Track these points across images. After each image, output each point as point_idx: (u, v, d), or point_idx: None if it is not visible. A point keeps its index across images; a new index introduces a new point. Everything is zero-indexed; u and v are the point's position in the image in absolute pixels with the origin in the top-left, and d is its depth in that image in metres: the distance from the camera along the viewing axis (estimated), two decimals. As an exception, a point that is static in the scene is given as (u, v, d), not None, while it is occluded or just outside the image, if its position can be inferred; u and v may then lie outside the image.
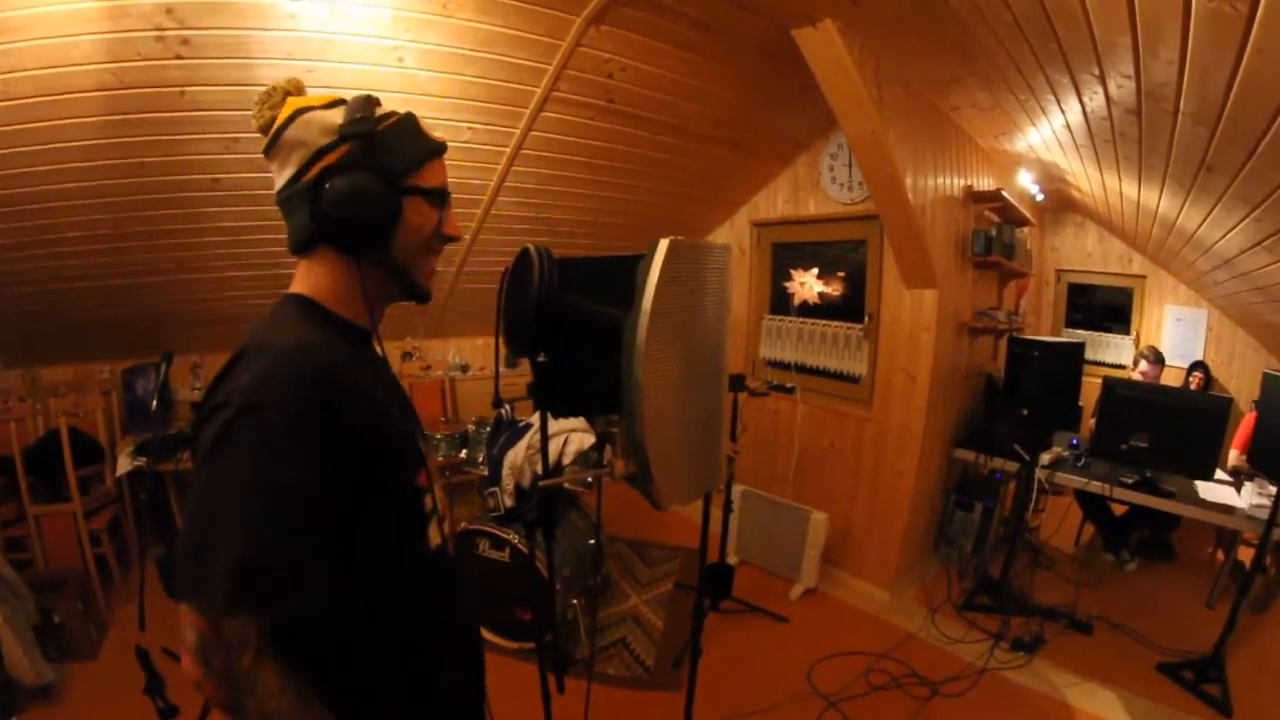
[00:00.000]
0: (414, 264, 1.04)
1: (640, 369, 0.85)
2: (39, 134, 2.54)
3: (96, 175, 2.80)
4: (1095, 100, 2.70)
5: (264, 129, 0.98)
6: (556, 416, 1.14)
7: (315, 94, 1.01)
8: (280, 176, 0.98)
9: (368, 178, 0.94)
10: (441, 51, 2.70)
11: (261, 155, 1.00)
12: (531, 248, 1.06)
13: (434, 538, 1.04)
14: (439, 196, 1.05)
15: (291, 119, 0.95)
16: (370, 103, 0.98)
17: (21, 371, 4.07)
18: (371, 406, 0.94)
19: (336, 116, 0.96)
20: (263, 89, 0.99)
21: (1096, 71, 2.37)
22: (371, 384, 0.98)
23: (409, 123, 1.03)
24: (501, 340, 1.08)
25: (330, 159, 0.94)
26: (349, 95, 1.00)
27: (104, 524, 3.68)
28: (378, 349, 1.08)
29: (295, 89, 1.01)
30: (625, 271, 0.96)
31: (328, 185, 0.92)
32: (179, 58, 2.38)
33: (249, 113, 2.52)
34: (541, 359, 1.05)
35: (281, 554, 0.78)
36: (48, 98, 2.40)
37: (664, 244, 0.87)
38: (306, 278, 1.01)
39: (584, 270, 1.05)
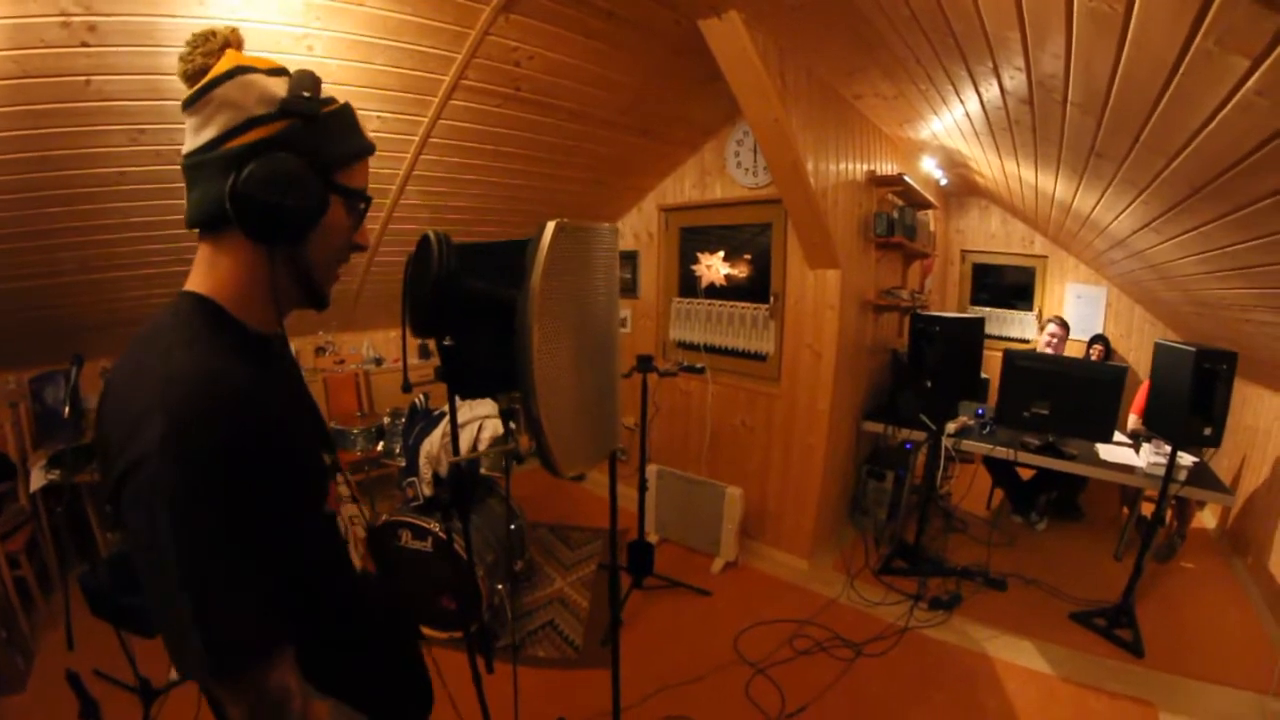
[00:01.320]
0: (322, 267, 0.97)
1: (531, 344, 0.90)
2: None
3: (2, 170, 2.64)
4: (991, 91, 2.81)
5: (191, 76, 0.87)
6: (465, 398, 1.18)
7: (255, 56, 0.90)
8: (196, 136, 0.87)
9: (301, 164, 0.86)
10: (351, 40, 2.67)
11: (173, 149, 0.93)
12: (431, 233, 1.07)
13: (356, 560, 1.03)
14: (361, 201, 0.98)
15: (230, 75, 0.85)
16: (317, 81, 0.90)
17: None
18: (284, 437, 0.87)
19: (278, 87, 0.87)
20: (198, 31, 0.88)
21: (990, 64, 2.48)
22: (280, 407, 0.92)
23: (348, 115, 0.96)
24: (406, 324, 1.11)
25: (263, 132, 0.85)
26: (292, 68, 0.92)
27: (21, 545, 3.42)
28: (286, 350, 1.03)
29: (236, 41, 0.90)
30: (519, 253, 1.01)
31: (256, 162, 0.83)
32: (85, 45, 2.26)
33: (157, 103, 2.44)
34: (447, 342, 1.09)
35: (256, 605, 0.78)
36: None
37: (550, 226, 0.93)
38: (210, 272, 0.91)
39: (484, 254, 1.10)
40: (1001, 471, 4.81)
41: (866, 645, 3.28)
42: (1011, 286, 6.84)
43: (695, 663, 3.16)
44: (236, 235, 0.88)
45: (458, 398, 1.24)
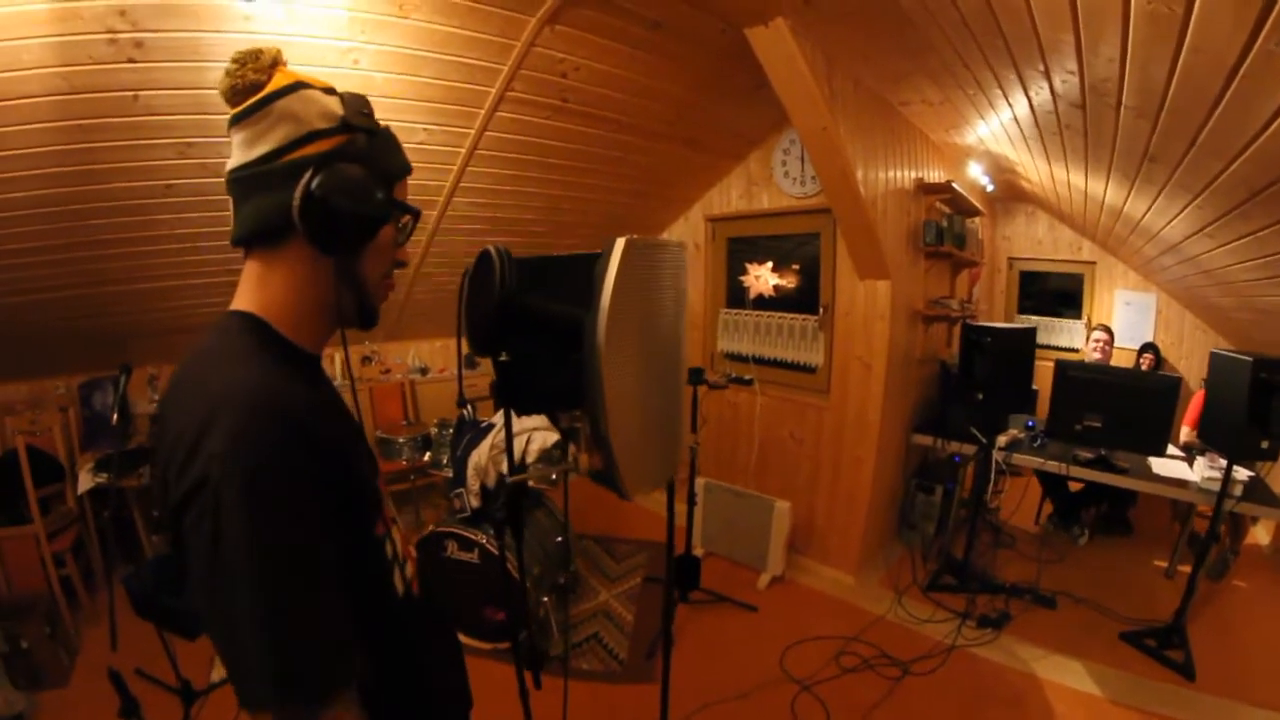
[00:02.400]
0: (375, 282, 0.96)
1: (601, 365, 0.87)
2: None
3: (47, 183, 2.71)
4: (1041, 95, 2.75)
5: (240, 92, 0.86)
6: (520, 414, 1.15)
7: (311, 77, 0.92)
8: (249, 149, 0.86)
9: (367, 175, 0.87)
10: (397, 53, 2.69)
11: (225, 142, 0.88)
12: (492, 248, 1.05)
13: (398, 585, 1.00)
14: (411, 215, 0.99)
15: (291, 89, 0.86)
16: (369, 102, 0.93)
17: None
18: (340, 456, 0.85)
19: (335, 105, 0.89)
20: (243, 49, 0.87)
21: (1041, 67, 2.42)
22: (333, 427, 0.89)
23: (392, 136, 0.97)
24: (464, 341, 1.09)
25: (325, 145, 0.86)
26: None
27: (68, 545, 3.56)
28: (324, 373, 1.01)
29: (283, 61, 0.90)
30: (583, 270, 0.99)
31: (328, 170, 0.84)
32: (131, 61, 2.32)
33: (203, 117, 2.49)
34: (504, 358, 1.06)
35: (327, 633, 0.75)
36: None
37: (620, 243, 0.90)
38: (261, 290, 0.90)
39: (543, 269, 1.07)
40: (1053, 483, 4.70)
41: (914, 664, 3.20)
42: (1058, 294, 6.65)
43: (740, 679, 3.11)
44: (294, 248, 0.88)
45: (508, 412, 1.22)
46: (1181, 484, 3.46)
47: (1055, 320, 6.63)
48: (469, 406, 3.59)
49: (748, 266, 4.53)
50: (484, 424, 3.46)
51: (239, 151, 0.87)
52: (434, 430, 3.82)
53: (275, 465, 0.73)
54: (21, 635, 3.00)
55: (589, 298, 0.95)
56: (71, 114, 2.46)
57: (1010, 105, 3.13)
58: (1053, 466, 3.76)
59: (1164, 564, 4.20)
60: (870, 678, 3.13)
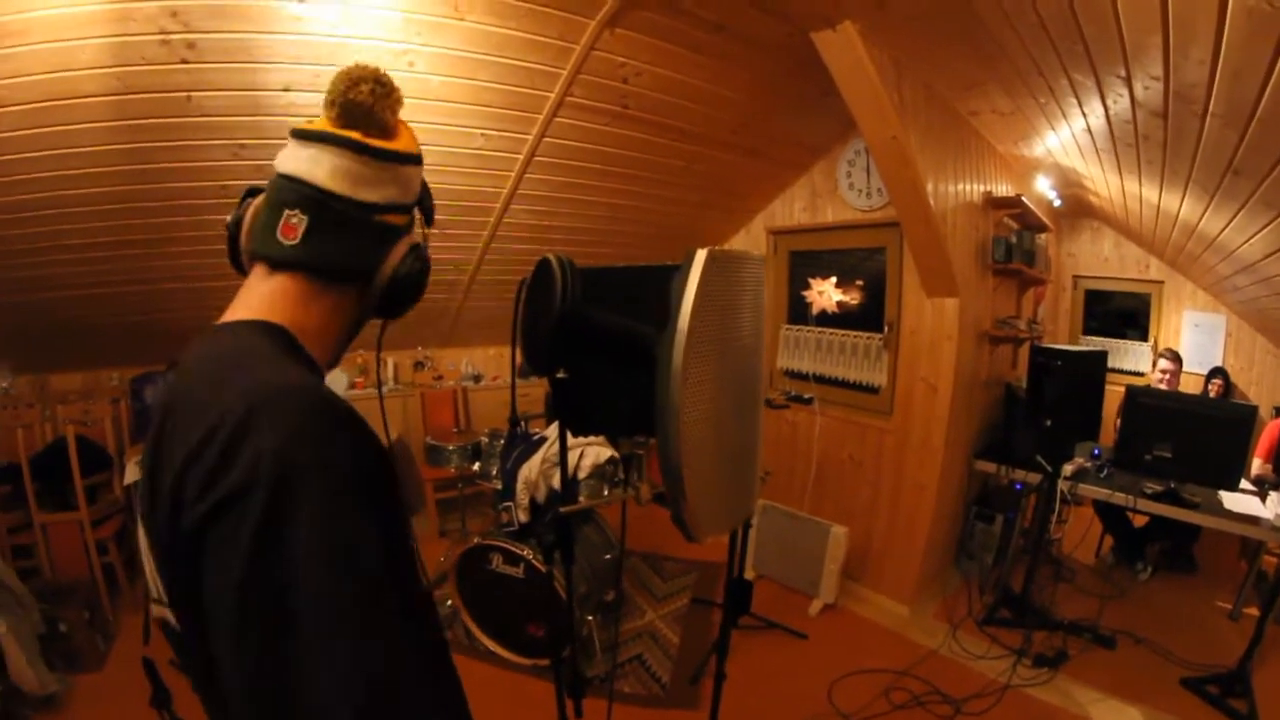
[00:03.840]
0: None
1: (678, 393, 0.77)
2: (45, 139, 2.51)
3: (103, 181, 2.77)
4: (1119, 103, 2.63)
5: (361, 119, 0.81)
6: (576, 435, 1.06)
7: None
8: (350, 183, 0.80)
9: (424, 256, 0.88)
10: (453, 56, 2.65)
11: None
12: (552, 257, 0.96)
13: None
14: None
15: (416, 160, 0.87)
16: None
17: (31, 378, 4.07)
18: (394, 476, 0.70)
19: (418, 179, 0.89)
20: (368, 68, 0.80)
21: (1123, 73, 2.31)
22: None
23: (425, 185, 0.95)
24: (519, 355, 1.00)
25: (401, 219, 0.86)
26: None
27: (111, 533, 3.64)
28: None
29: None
30: (651, 283, 0.88)
31: (413, 254, 0.85)
32: (184, 62, 2.34)
33: (256, 119, 2.50)
34: (561, 375, 0.97)
35: (416, 672, 0.56)
36: (53, 103, 2.37)
37: (701, 255, 0.79)
38: (284, 302, 0.79)
39: (607, 281, 0.97)
40: (1113, 517, 4.47)
41: (966, 703, 3.04)
42: (1123, 314, 6.38)
43: (786, 711, 3.00)
44: (351, 292, 0.85)
45: (564, 432, 1.13)
46: (1253, 521, 3.24)
47: (1120, 342, 6.35)
48: (521, 422, 3.54)
49: (810, 281, 4.40)
50: (536, 436, 3.40)
51: (333, 175, 0.79)
52: (484, 440, 3.78)
53: (349, 459, 0.59)
54: (60, 619, 3.06)
55: (658, 314, 0.84)
56: (126, 114, 2.50)
57: (1085, 115, 3.02)
58: (1120, 498, 3.55)
59: (1229, 605, 3.95)
60: (920, 715, 2.99)
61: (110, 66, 2.29)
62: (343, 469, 0.58)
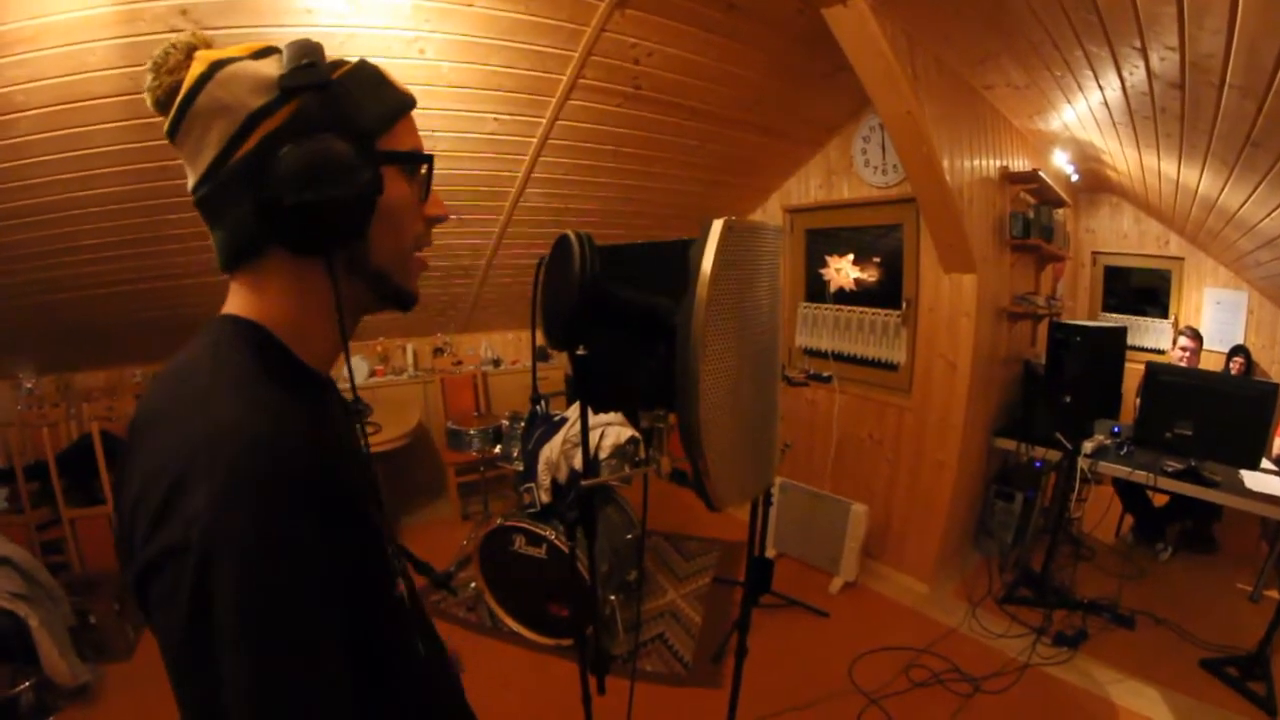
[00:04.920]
0: (397, 260, 0.79)
1: (698, 362, 0.77)
2: (62, 142, 2.53)
3: (120, 181, 2.80)
4: (1136, 75, 2.60)
5: (165, 102, 0.70)
6: (597, 411, 1.06)
7: (232, 46, 0.73)
8: (197, 164, 0.70)
9: (333, 140, 0.67)
10: (464, 41, 2.65)
11: None
12: (571, 234, 0.93)
13: (421, 649, 0.85)
14: (421, 162, 0.80)
15: (206, 77, 0.67)
16: (316, 47, 0.71)
17: (55, 378, 4.11)
18: (352, 510, 0.69)
19: (272, 67, 0.69)
20: (155, 52, 0.71)
21: (1138, 44, 2.28)
22: (344, 470, 0.73)
23: (369, 71, 0.76)
24: (539, 333, 1.00)
25: (271, 124, 0.67)
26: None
27: None
28: (335, 389, 0.86)
29: (203, 42, 0.72)
30: (667, 257, 0.89)
31: (275, 159, 0.66)
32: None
33: None
34: (581, 352, 0.97)
35: None
36: (68, 105, 2.39)
37: (718, 225, 0.79)
38: (256, 297, 0.74)
39: (624, 257, 0.97)
40: (1133, 496, 4.44)
41: (985, 681, 3.05)
42: (1143, 290, 6.30)
43: (807, 688, 3.00)
44: (280, 256, 0.72)
45: (579, 408, 1.13)
46: (1274, 500, 3.19)
47: (1140, 319, 6.27)
48: (542, 401, 3.55)
49: (827, 259, 4.39)
50: (556, 418, 3.41)
51: (189, 171, 0.71)
52: (505, 423, 3.80)
53: (276, 538, 0.57)
54: (90, 611, 3.15)
55: (676, 288, 0.84)
56: (140, 114, 2.49)
57: (1101, 88, 2.99)
58: (1140, 476, 3.53)
59: (1249, 587, 3.91)
60: (940, 694, 2.99)
61: (122, 67, 2.30)
62: (270, 548, 0.57)
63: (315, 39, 0.72)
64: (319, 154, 0.66)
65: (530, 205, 3.88)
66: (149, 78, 0.71)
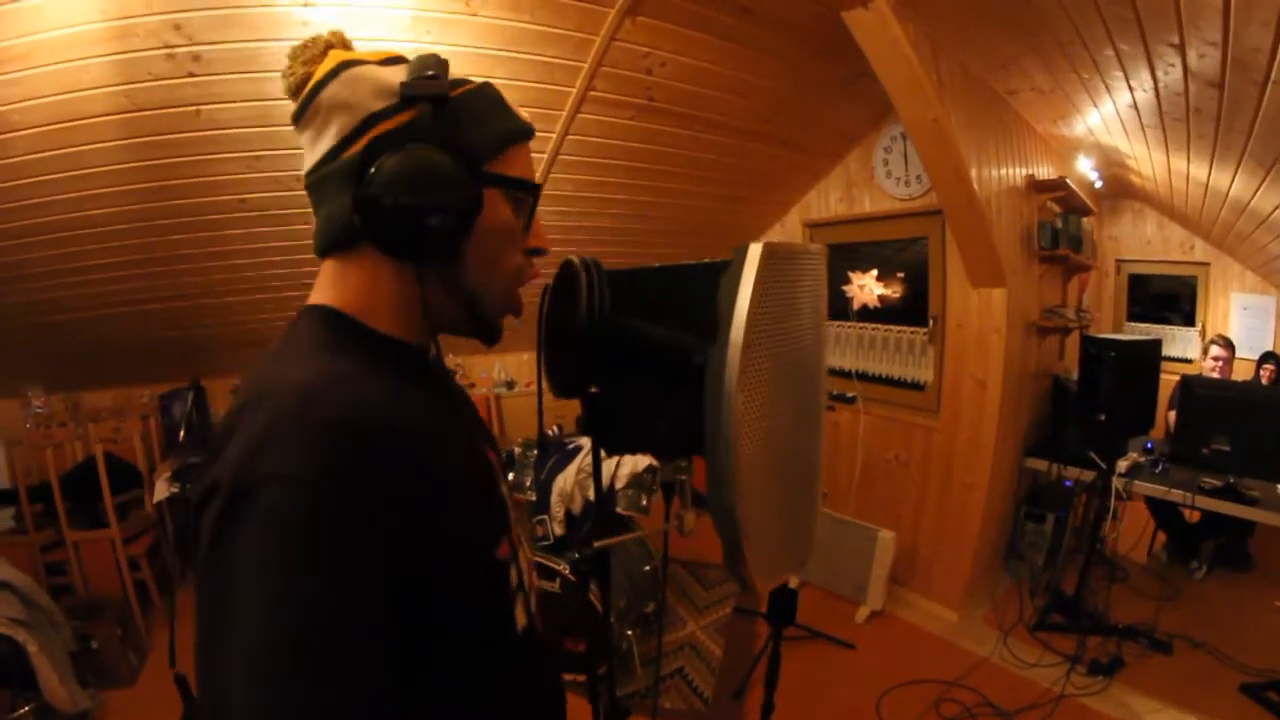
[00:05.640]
0: (492, 285, 0.79)
1: (733, 424, 0.64)
2: (60, 161, 2.50)
3: (120, 201, 2.75)
4: (1170, 74, 2.52)
5: (296, 91, 0.75)
6: (610, 454, 0.95)
7: (366, 51, 0.77)
8: (313, 151, 0.74)
9: (437, 154, 0.69)
10: (466, 53, 2.55)
11: (297, 175, 0.78)
12: (576, 259, 0.85)
13: (520, 619, 0.79)
14: (528, 192, 0.80)
15: (333, 74, 0.72)
16: (443, 62, 0.74)
17: (63, 396, 4.10)
18: (428, 461, 0.66)
19: (396, 75, 0.73)
20: (297, 42, 0.76)
21: (1176, 40, 2.20)
22: (430, 424, 0.72)
23: (489, 93, 0.79)
24: (543, 374, 0.89)
25: (386, 126, 0.70)
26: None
27: (143, 549, 3.67)
28: (443, 369, 0.87)
29: (339, 41, 0.77)
30: (690, 285, 0.77)
31: (381, 160, 0.68)
32: (191, 75, 2.30)
33: (269, 129, 2.46)
34: (593, 390, 0.85)
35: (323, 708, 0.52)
36: (64, 124, 2.35)
37: (756, 251, 0.66)
38: (334, 284, 0.76)
39: (639, 284, 0.85)
40: (1166, 512, 4.28)
41: (1019, 714, 2.91)
42: (1167, 298, 6.16)
43: (835, 725, 2.86)
44: (371, 253, 0.73)
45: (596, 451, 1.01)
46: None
47: (1166, 328, 6.11)
48: (556, 426, 3.45)
49: (850, 275, 4.27)
50: (570, 446, 3.32)
51: (307, 154, 0.75)
52: (518, 450, 3.71)
53: (298, 487, 0.54)
54: (93, 635, 3.11)
55: (700, 319, 0.73)
56: (137, 132, 2.47)
57: (1131, 89, 2.89)
58: (1177, 495, 3.38)
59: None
60: (973, 728, 2.85)
61: (117, 85, 2.26)
62: (287, 500, 0.54)
63: (302, 41, 0.76)
64: (423, 162, 0.68)
65: (542, 224, 3.78)
66: (286, 64, 0.75)
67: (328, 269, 0.77)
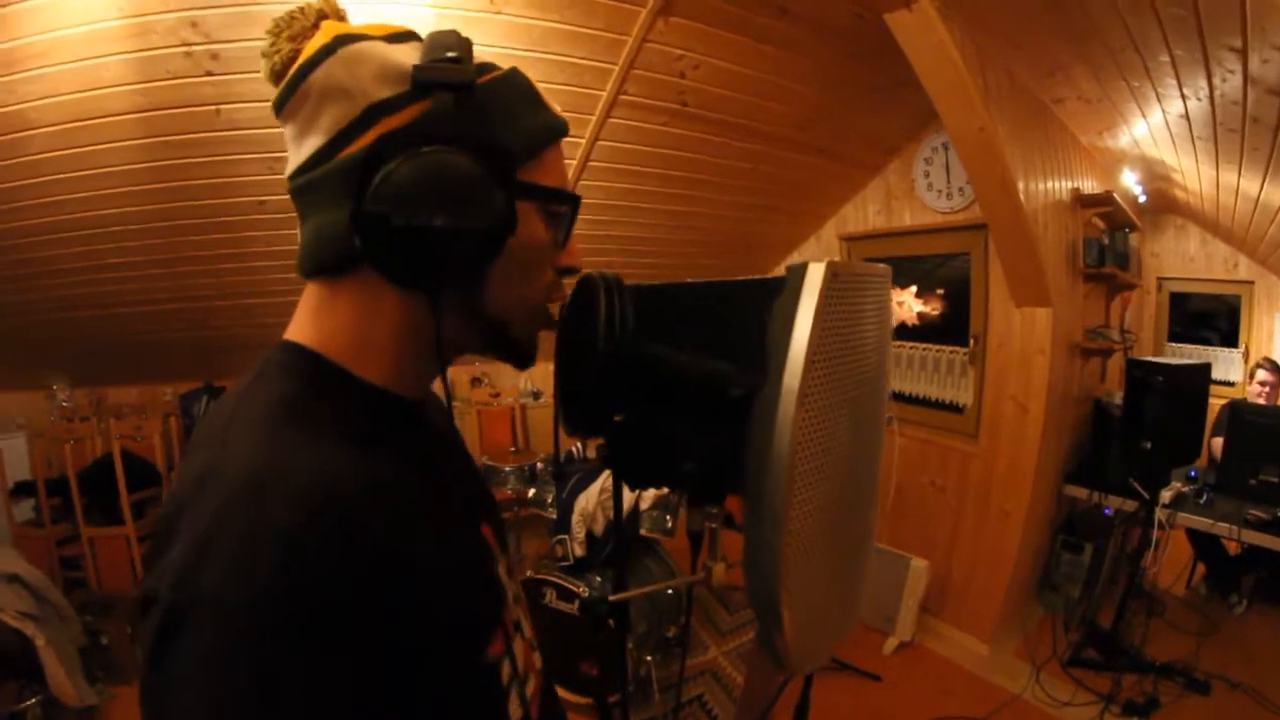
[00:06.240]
0: (518, 311, 0.66)
1: (783, 492, 0.52)
2: (79, 160, 2.50)
3: (139, 200, 2.75)
4: (1229, 81, 2.44)
5: (279, 73, 0.60)
6: (633, 489, 0.84)
7: (366, 24, 0.62)
8: (299, 148, 0.60)
9: (461, 158, 0.54)
10: (491, 53, 2.43)
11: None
12: (596, 276, 0.67)
13: (514, 713, 0.68)
14: (565, 204, 0.67)
15: (328, 51, 0.56)
16: (466, 42, 0.60)
17: (88, 390, 4.17)
18: (408, 564, 0.53)
19: (406, 54, 0.58)
20: (282, 12, 0.60)
21: (1238, 44, 2.13)
22: (413, 514, 0.58)
23: (519, 82, 0.65)
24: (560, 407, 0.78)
25: (395, 121, 0.56)
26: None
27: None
28: (441, 415, 0.74)
29: (334, 11, 0.62)
30: (729, 303, 0.65)
31: (390, 168, 0.53)
32: (209, 74, 2.28)
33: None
34: (617, 419, 0.73)
35: None
36: (82, 122, 2.36)
37: (817, 273, 0.53)
38: (318, 315, 0.62)
39: (669, 302, 0.72)
40: (1207, 544, 4.09)
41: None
42: (1209, 318, 6.01)
43: (860, 763, 2.74)
44: (369, 277, 0.58)
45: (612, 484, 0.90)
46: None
47: (1207, 349, 5.98)
48: (578, 444, 3.37)
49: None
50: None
51: (290, 151, 0.61)
52: (540, 465, 3.68)
53: (239, 610, 0.44)
54: (103, 631, 3.15)
55: (740, 345, 0.61)
56: (157, 131, 2.47)
57: (1184, 97, 2.81)
58: (1223, 529, 3.23)
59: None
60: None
61: (136, 83, 2.25)
62: (242, 614, 0.44)
63: (286, 11, 0.61)
64: (444, 171, 0.54)
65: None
66: (267, 41, 0.61)
67: (313, 294, 0.64)
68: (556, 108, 0.68)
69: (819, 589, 0.62)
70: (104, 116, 2.33)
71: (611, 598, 0.84)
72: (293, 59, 0.59)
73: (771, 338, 0.57)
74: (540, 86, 2.13)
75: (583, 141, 3.05)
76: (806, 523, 0.55)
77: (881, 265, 0.68)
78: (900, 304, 4.04)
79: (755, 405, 0.57)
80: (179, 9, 2.06)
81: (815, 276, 0.53)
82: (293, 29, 0.60)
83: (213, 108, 2.40)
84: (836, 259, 0.56)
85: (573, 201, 0.68)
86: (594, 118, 2.91)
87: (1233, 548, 3.96)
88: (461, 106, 0.57)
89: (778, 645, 0.57)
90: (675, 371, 0.67)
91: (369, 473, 0.54)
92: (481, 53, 1.84)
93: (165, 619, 0.44)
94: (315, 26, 0.60)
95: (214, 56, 2.21)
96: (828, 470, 0.57)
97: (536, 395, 5.24)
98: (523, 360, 0.71)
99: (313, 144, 0.58)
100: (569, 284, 0.73)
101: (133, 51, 2.14)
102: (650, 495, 3.01)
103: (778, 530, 0.52)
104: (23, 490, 3.70)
